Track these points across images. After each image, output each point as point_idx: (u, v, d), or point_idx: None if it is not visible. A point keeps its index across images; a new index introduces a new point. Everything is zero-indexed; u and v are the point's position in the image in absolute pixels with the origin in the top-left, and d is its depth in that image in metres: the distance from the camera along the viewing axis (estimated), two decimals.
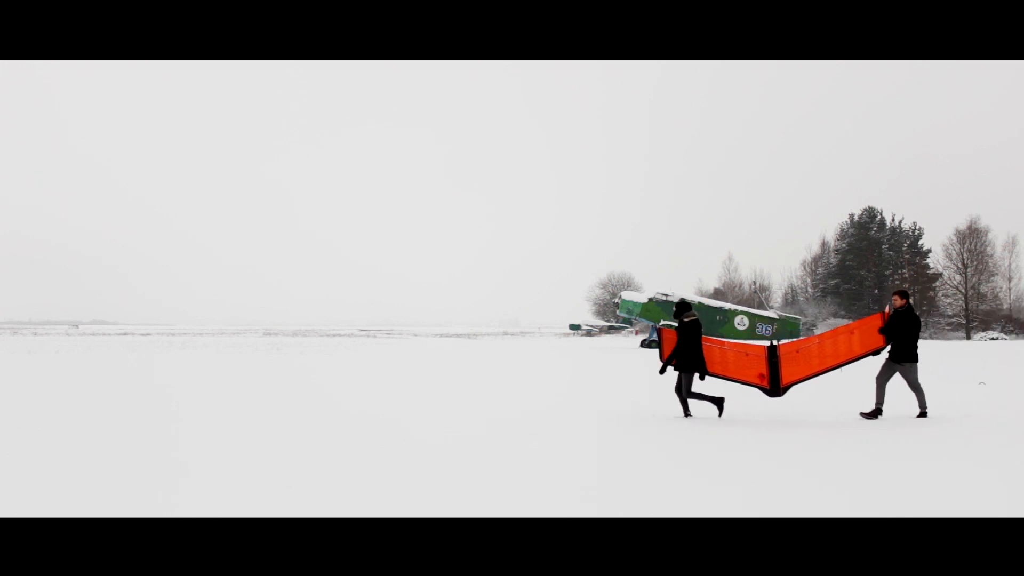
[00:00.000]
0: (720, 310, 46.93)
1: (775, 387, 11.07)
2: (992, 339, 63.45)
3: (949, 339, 65.54)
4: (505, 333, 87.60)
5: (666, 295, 46.52)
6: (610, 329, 74.11)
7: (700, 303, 47.53)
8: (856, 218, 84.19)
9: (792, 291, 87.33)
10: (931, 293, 77.69)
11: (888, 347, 10.78)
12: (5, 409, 10.77)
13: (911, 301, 10.77)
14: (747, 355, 11.21)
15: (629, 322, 64.31)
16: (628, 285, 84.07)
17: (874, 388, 10.79)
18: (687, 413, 10.66)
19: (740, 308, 47.90)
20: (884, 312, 10.98)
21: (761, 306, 60.41)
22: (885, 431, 9.13)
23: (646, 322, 48.29)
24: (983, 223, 75.03)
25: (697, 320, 10.96)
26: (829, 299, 79.34)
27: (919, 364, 10.60)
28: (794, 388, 11.25)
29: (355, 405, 11.63)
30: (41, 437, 8.37)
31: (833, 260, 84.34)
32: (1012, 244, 75.96)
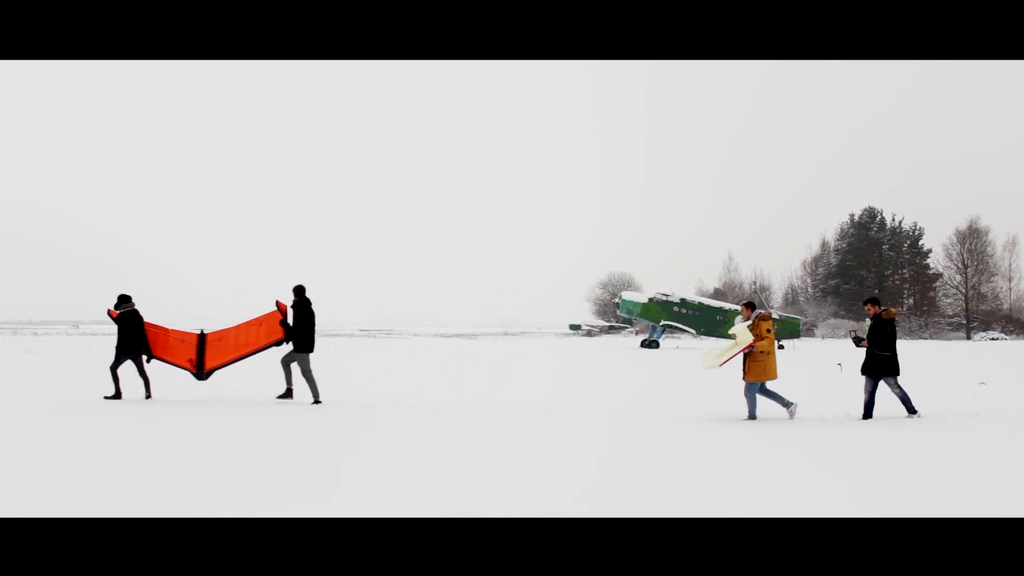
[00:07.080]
0: (720, 310, 46.88)
1: (200, 371, 12.43)
2: (992, 339, 63.44)
3: (949, 339, 65.50)
4: (505, 333, 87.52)
5: (666, 295, 46.48)
6: (610, 329, 74.05)
7: (700, 303, 47.49)
8: (856, 218, 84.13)
9: (792, 291, 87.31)
10: (931, 293, 77.67)
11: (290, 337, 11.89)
12: (5, 409, 10.76)
13: (308, 296, 11.98)
14: (183, 341, 12.44)
15: (629, 322, 64.26)
16: (628, 285, 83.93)
17: (282, 372, 12.14)
18: (149, 395, 12.14)
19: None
20: (280, 305, 12.11)
21: (761, 306, 60.39)
22: (892, 429, 9.14)
23: (646, 322, 48.24)
24: (983, 223, 75.13)
25: (133, 311, 12.29)
26: (829, 299, 79.31)
27: (312, 355, 11.98)
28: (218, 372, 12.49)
29: (353, 405, 11.64)
30: (41, 437, 8.36)
31: (833, 260, 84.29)
32: (1012, 244, 76.03)
